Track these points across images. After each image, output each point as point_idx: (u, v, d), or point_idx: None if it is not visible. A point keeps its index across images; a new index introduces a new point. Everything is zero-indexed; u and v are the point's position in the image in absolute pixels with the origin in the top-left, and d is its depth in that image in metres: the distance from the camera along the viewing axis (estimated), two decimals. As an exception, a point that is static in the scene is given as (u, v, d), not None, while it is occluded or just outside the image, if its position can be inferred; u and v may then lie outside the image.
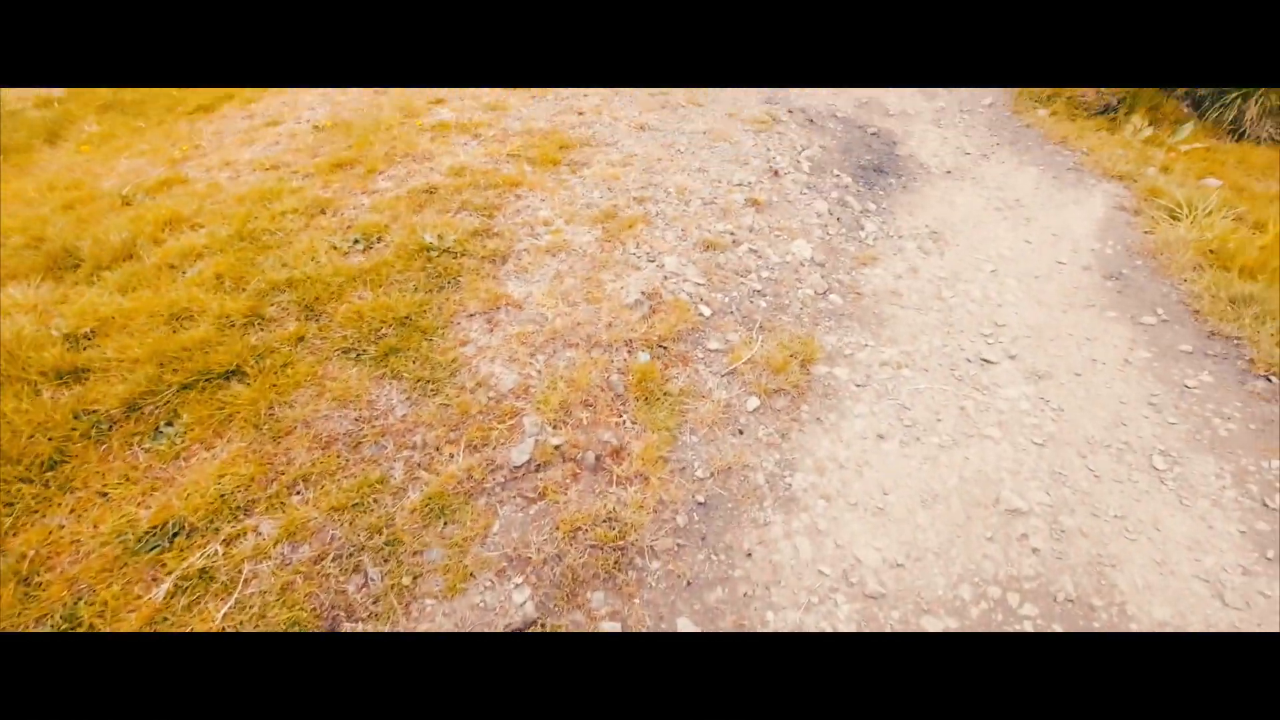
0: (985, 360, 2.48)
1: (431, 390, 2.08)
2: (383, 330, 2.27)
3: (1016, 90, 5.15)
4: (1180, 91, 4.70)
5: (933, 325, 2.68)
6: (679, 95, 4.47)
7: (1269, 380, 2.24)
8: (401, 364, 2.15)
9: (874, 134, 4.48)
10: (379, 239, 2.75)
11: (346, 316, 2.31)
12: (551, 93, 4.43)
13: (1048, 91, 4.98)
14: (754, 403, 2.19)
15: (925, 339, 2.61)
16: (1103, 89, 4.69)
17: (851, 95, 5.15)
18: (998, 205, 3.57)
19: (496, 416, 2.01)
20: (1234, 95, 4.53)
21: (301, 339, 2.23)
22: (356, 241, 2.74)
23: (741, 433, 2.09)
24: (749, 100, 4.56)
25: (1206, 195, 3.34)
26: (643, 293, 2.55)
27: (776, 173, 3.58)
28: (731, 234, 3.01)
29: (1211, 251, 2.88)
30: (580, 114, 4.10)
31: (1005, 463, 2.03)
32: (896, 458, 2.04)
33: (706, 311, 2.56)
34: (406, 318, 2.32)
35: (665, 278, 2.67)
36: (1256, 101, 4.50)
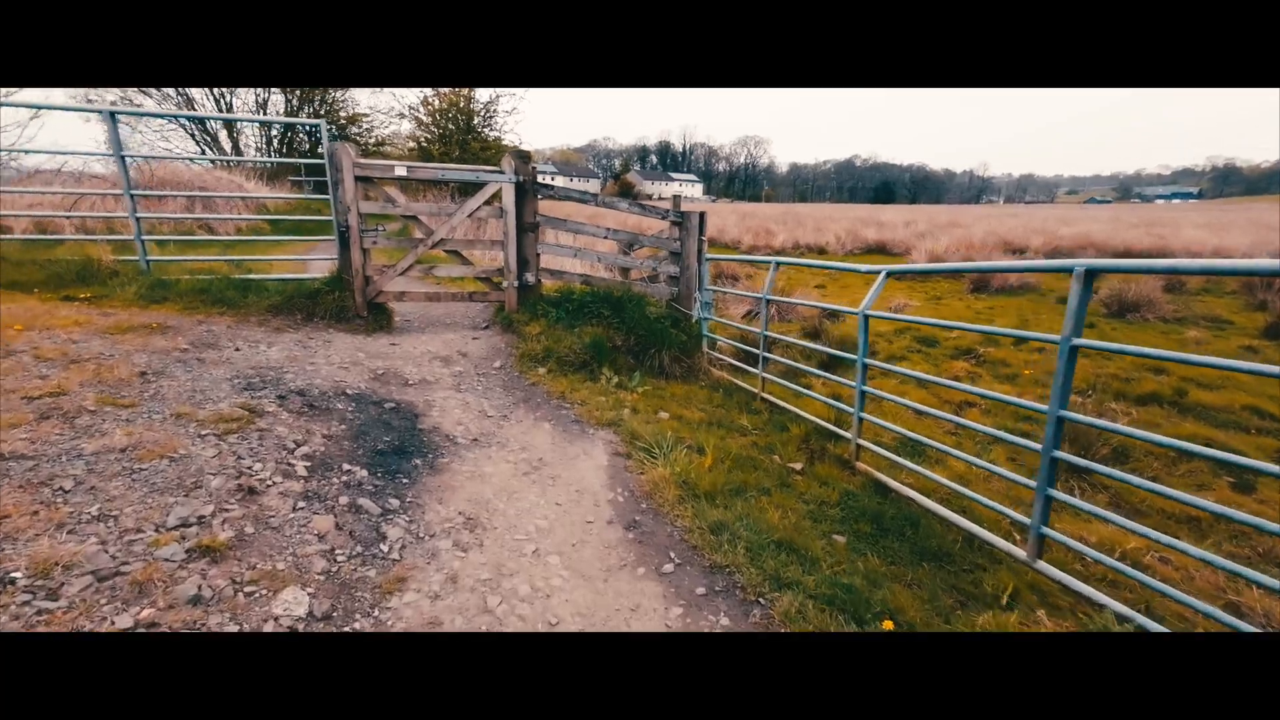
0: (549, 690, 2.05)
1: None
2: None
3: (519, 353, 5.93)
4: (624, 349, 6.33)
5: (484, 658, 2.14)
6: (89, 397, 3.12)
7: (760, 603, 2.57)
8: None
9: (393, 408, 4.17)
10: None
11: None
12: None
13: (541, 352, 5.92)
14: None
15: (478, 686, 2.02)
16: (579, 352, 5.85)
17: (367, 368, 4.85)
18: (525, 469, 3.60)
19: None
20: (652, 350, 6.40)
21: None
22: None
23: None
24: (218, 390, 3.59)
25: (664, 430, 4.22)
26: None
27: (253, 490, 2.67)
28: (151, 627, 1.86)
29: (684, 483, 3.49)
30: None
31: None
32: None
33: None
34: None
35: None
36: (665, 351, 6.46)
